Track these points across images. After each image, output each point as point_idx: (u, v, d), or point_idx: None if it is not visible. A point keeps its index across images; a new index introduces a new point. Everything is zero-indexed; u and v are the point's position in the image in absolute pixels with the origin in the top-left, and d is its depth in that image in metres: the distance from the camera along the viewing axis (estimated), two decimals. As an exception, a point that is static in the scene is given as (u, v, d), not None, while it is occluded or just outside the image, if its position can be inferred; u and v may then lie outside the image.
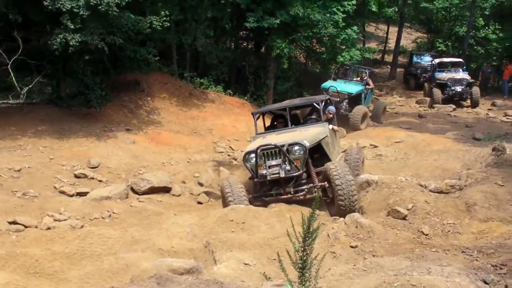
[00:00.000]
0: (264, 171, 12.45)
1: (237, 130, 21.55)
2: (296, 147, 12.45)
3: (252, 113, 15.36)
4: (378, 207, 11.74)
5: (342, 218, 10.98)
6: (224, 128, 21.56)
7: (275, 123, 15.55)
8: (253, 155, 12.57)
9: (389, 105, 32.54)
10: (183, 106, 22.28)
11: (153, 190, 14.11)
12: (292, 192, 12.54)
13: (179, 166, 16.52)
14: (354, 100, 24.97)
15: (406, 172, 15.77)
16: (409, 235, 10.30)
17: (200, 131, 20.85)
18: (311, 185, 12.61)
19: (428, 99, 31.98)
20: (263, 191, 12.82)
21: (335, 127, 15.04)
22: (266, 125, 15.76)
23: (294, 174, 12.41)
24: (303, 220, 5.48)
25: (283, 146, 12.42)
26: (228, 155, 18.45)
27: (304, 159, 12.46)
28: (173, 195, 14.40)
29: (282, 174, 12.34)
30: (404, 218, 10.95)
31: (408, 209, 11.18)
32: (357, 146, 15.82)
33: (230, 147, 19.54)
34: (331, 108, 15.38)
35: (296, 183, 12.64)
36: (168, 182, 14.53)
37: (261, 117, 15.49)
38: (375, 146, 19.46)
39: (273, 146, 12.46)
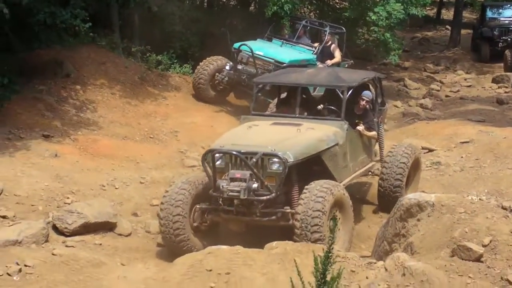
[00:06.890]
0: (223, 183, 12.59)
1: (215, 131, 21.31)
2: (274, 161, 12.63)
3: (254, 82, 16.06)
4: (436, 243, 11.68)
5: (381, 262, 10.93)
6: (195, 129, 21.54)
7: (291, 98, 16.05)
8: (216, 155, 12.83)
9: (451, 86, 32.48)
10: (131, 98, 22.29)
11: (88, 229, 14.00)
12: (258, 215, 12.71)
13: (127, 190, 16.51)
14: None
15: (480, 188, 15.82)
16: (488, 285, 10.25)
17: (159, 135, 20.84)
18: (287, 208, 12.81)
19: (511, 74, 32.01)
20: (220, 204, 12.99)
21: (367, 132, 15.23)
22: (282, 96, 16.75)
23: (262, 197, 12.56)
24: (316, 266, 5.41)
25: (255, 154, 12.56)
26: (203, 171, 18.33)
27: (282, 178, 12.57)
28: (120, 234, 14.37)
29: (243, 195, 12.39)
30: (478, 260, 10.89)
31: (484, 245, 11.12)
32: (406, 147, 15.50)
33: (206, 158, 19.48)
34: (367, 93, 15.31)
35: (266, 206, 12.77)
36: (111, 215, 14.46)
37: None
38: (430, 150, 19.49)
39: (235, 153, 12.67)
